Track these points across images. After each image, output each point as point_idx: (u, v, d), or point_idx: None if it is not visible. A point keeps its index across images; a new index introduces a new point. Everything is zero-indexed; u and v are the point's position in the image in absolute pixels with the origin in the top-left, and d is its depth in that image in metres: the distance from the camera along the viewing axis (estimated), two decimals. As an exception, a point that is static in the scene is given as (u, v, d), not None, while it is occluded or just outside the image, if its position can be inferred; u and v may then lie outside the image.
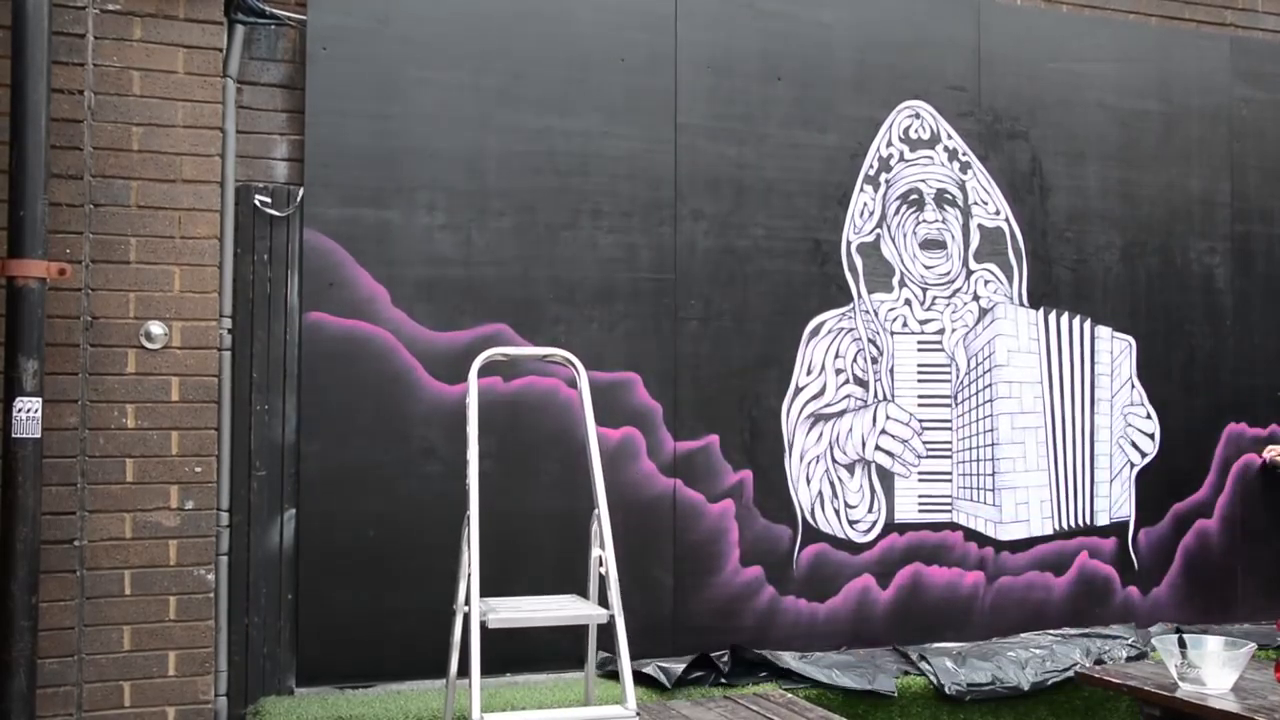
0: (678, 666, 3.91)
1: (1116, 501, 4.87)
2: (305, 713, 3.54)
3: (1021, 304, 4.76)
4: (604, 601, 3.11)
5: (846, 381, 4.48)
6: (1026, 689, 4.14)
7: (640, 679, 3.85)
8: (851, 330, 4.49)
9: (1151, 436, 4.96)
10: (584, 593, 3.28)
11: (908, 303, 4.58)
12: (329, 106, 3.85)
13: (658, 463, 4.18)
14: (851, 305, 4.50)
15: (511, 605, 3.11)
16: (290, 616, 3.77)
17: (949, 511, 4.60)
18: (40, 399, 3.24)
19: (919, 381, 4.59)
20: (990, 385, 4.69)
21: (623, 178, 4.20)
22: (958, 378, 4.64)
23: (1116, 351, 4.92)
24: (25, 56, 3.23)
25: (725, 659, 3.99)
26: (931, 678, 4.10)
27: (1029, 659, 4.26)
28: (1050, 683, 4.18)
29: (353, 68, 3.88)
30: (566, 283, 4.11)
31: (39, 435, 3.24)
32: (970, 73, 4.72)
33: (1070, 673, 4.19)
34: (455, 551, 3.27)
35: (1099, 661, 4.24)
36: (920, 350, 4.60)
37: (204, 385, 3.58)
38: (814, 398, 4.44)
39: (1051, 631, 4.61)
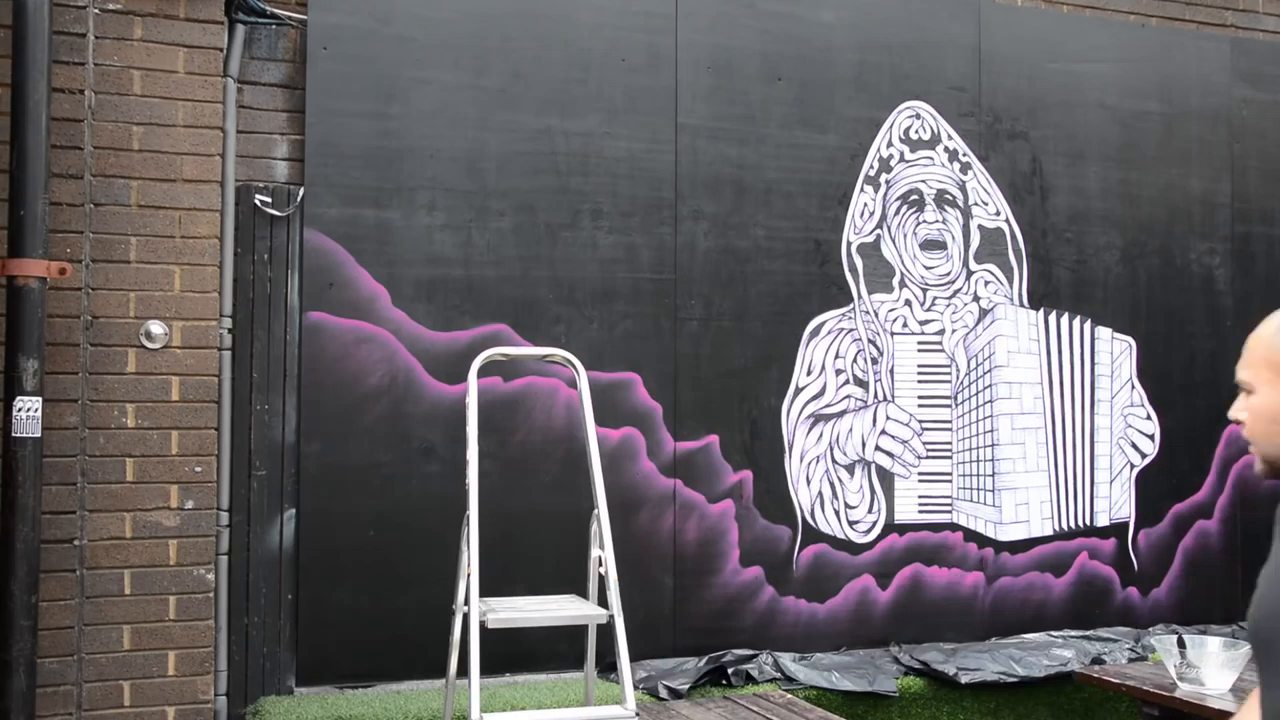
0: (682, 686, 3.88)
1: (1116, 502, 4.87)
2: (305, 713, 3.54)
3: (1022, 305, 4.76)
4: (604, 602, 3.11)
5: (846, 382, 4.48)
6: (1020, 675, 4.16)
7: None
8: (851, 331, 4.49)
9: (1151, 437, 4.96)
10: (584, 593, 3.28)
11: (908, 303, 4.58)
12: (329, 106, 3.85)
13: (658, 463, 4.18)
14: (852, 306, 4.50)
15: (511, 605, 3.11)
16: (290, 616, 3.78)
17: (949, 512, 4.61)
18: (40, 398, 3.24)
19: (919, 382, 4.59)
20: (990, 386, 4.69)
21: (623, 178, 4.20)
22: (958, 378, 4.64)
23: (1117, 352, 4.92)
24: (26, 56, 3.24)
25: (731, 672, 3.98)
26: (918, 664, 4.12)
27: (1022, 656, 4.27)
28: (1044, 675, 4.19)
29: (353, 68, 3.88)
30: (566, 283, 4.11)
31: (39, 434, 3.24)
32: (970, 73, 4.72)
33: (1065, 667, 4.20)
34: (455, 551, 3.27)
35: (1098, 661, 4.24)
36: (920, 351, 4.60)
37: (204, 385, 3.58)
38: (814, 398, 4.44)
39: (1052, 633, 4.61)
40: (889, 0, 4.61)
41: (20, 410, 3.20)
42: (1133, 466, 4.92)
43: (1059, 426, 4.80)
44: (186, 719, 3.51)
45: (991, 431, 4.68)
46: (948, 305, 4.65)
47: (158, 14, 3.56)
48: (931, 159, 4.65)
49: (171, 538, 3.52)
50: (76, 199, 3.46)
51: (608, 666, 3.86)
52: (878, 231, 4.55)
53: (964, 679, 4.08)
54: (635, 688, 3.39)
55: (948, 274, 4.66)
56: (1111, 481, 4.87)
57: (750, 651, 4.15)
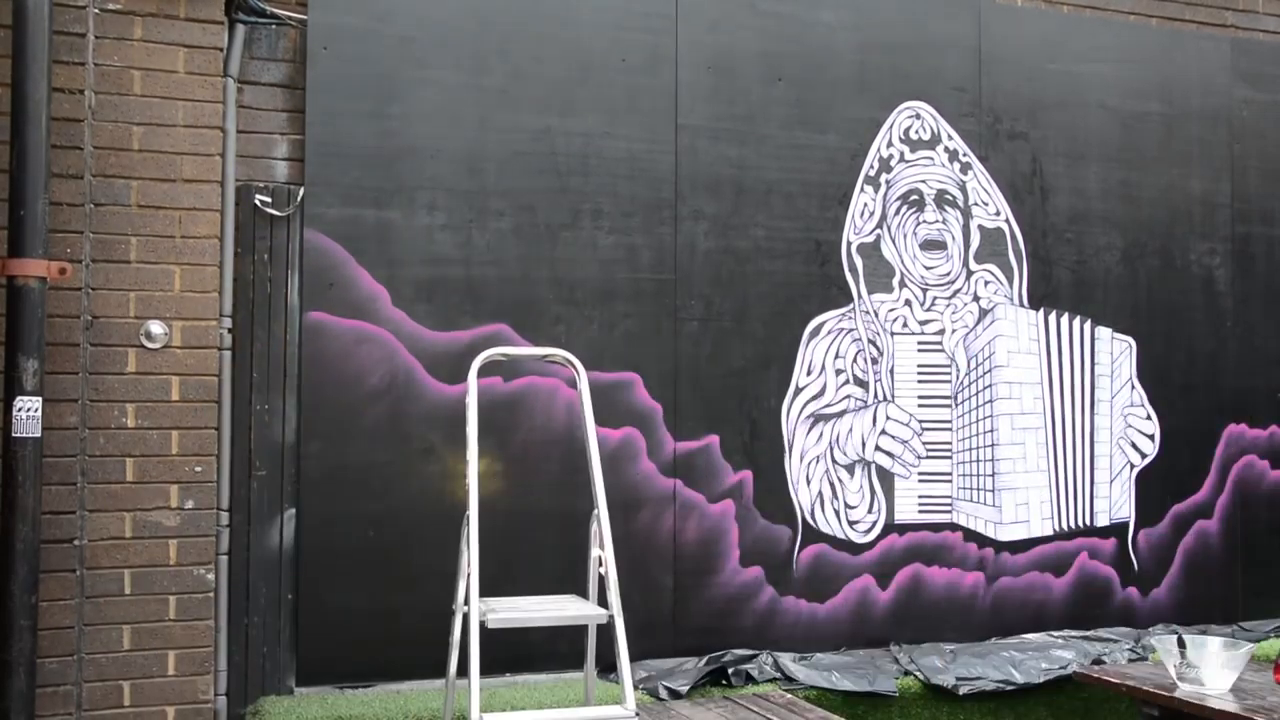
0: (682, 687, 3.88)
1: (1116, 502, 4.87)
2: (305, 713, 3.54)
3: (1022, 305, 4.77)
4: (604, 602, 3.11)
5: (846, 382, 4.48)
6: (1019, 683, 4.14)
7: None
8: (852, 331, 4.50)
9: (1151, 437, 4.96)
10: (584, 593, 3.28)
11: (908, 303, 4.58)
12: (329, 106, 3.85)
13: (658, 463, 4.19)
14: (852, 306, 4.50)
15: (511, 605, 3.11)
16: (290, 616, 3.78)
17: (949, 512, 4.61)
18: (40, 398, 3.24)
19: (919, 382, 4.59)
20: (990, 386, 4.69)
21: (623, 178, 4.20)
22: (958, 378, 4.64)
23: (1117, 352, 4.92)
24: (26, 56, 3.23)
25: (731, 672, 3.98)
26: (918, 674, 4.11)
27: (1022, 659, 4.26)
28: (1042, 680, 4.18)
29: (353, 68, 3.88)
30: (567, 283, 4.11)
31: (39, 434, 3.24)
32: (971, 73, 4.72)
33: (1065, 670, 4.19)
34: (455, 551, 3.27)
35: (1098, 662, 4.24)
36: (920, 351, 4.60)
37: (204, 385, 3.58)
38: (814, 398, 4.44)
39: (1052, 633, 4.60)
40: (889, 0, 4.61)
41: (20, 410, 3.20)
42: (1133, 466, 4.92)
43: (1059, 426, 4.80)
44: (186, 719, 3.51)
45: (991, 431, 4.68)
46: (948, 305, 4.65)
47: (158, 14, 3.56)
48: (931, 159, 4.65)
49: (171, 538, 3.52)
50: (76, 199, 3.46)
51: (608, 666, 3.85)
52: (878, 231, 4.56)
53: (963, 690, 4.07)
54: (635, 688, 3.39)
55: (948, 274, 4.66)
56: (1111, 481, 4.87)
57: (750, 651, 4.15)
